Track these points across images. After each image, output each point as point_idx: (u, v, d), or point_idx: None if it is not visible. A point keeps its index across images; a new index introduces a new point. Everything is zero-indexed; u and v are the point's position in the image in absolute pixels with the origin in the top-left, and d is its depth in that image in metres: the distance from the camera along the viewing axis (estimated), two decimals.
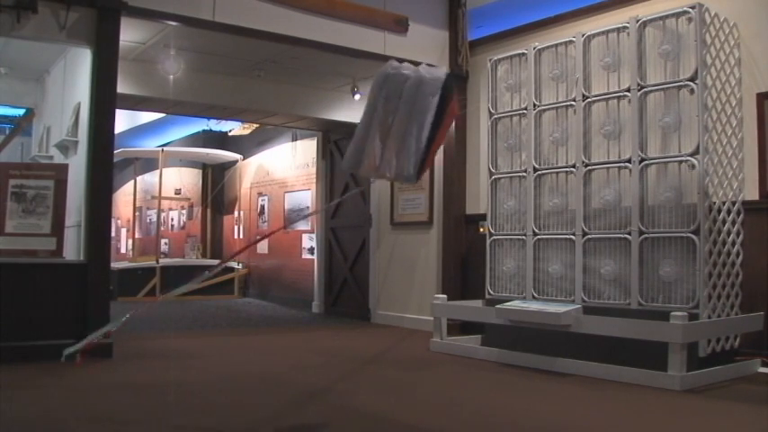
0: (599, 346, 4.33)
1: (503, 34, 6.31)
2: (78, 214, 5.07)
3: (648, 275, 4.38)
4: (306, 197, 9.51)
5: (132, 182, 11.96)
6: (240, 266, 10.79)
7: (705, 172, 4.20)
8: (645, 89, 4.48)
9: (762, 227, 4.52)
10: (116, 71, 4.92)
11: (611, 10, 5.34)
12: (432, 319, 5.44)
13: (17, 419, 3.07)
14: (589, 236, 4.69)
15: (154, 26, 5.35)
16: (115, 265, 9.48)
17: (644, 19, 4.53)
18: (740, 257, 4.49)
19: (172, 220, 12.78)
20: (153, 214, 12.54)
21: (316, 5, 5.77)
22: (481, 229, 6.13)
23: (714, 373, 4.09)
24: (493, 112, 5.37)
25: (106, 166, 4.93)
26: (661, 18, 4.46)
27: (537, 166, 5.04)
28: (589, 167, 4.74)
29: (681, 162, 4.29)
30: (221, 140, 11.70)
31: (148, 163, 12.39)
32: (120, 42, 4.96)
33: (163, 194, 11.28)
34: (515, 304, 4.80)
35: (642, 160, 4.45)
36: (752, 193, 4.59)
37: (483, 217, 5.70)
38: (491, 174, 5.34)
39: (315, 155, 8.89)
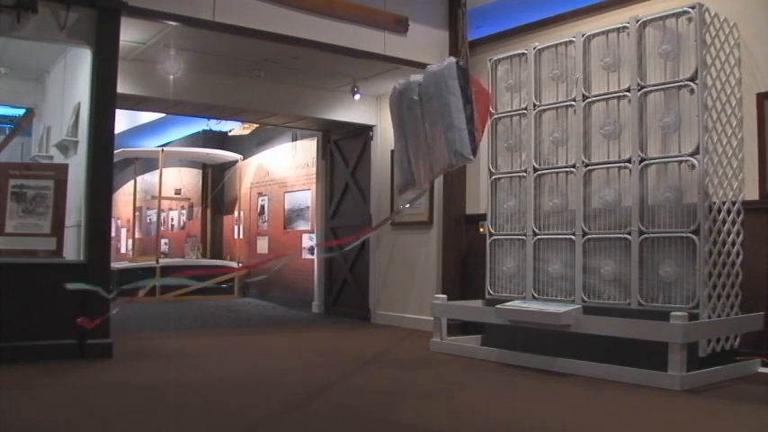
0: (599, 346, 4.33)
1: (503, 34, 6.31)
2: (78, 214, 5.07)
3: (648, 275, 4.38)
4: (306, 197, 9.51)
5: (132, 182, 11.97)
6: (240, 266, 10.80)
7: (705, 172, 4.20)
8: (645, 89, 4.48)
9: (762, 227, 4.52)
10: (116, 71, 4.93)
11: (611, 10, 5.34)
12: (432, 319, 5.44)
13: (17, 419, 3.07)
14: (589, 236, 4.69)
15: (154, 26, 5.35)
16: (115, 265, 9.48)
17: (644, 19, 4.53)
18: (740, 257, 4.49)
19: (172, 220, 12.78)
20: (153, 214, 12.54)
21: (316, 5, 5.77)
22: (481, 229, 6.13)
23: (714, 373, 4.09)
24: (493, 112, 5.37)
25: (106, 166, 4.93)
26: (661, 18, 4.46)
27: (537, 166, 5.04)
28: (589, 167, 4.74)
29: (681, 162, 4.29)
30: (221, 140, 11.70)
31: (148, 163, 12.39)
32: (120, 42, 4.96)
33: (163, 194, 11.28)
34: (515, 304, 4.80)
35: (642, 160, 4.45)
36: (752, 193, 4.59)
37: (483, 217, 5.70)
38: (491, 174, 5.34)
39: (315, 155, 8.89)
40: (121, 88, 5.25)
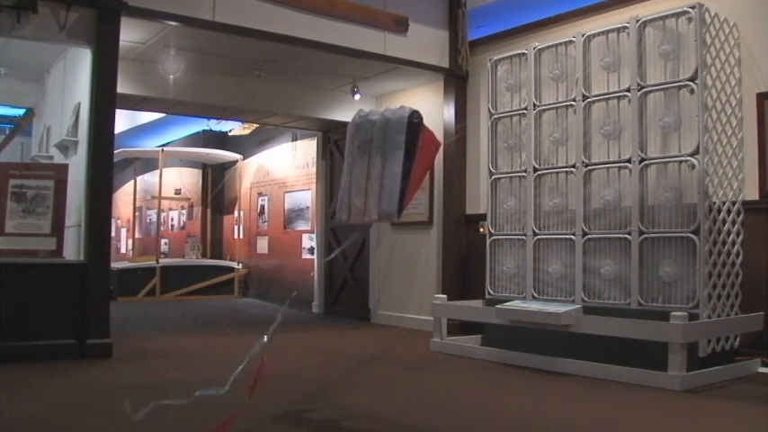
0: (599, 346, 4.32)
1: (503, 34, 6.31)
2: (78, 214, 5.07)
3: (648, 275, 4.38)
4: (306, 197, 9.51)
5: (132, 182, 11.96)
6: (240, 266, 10.81)
7: (705, 172, 4.20)
8: (645, 89, 4.48)
9: (762, 227, 4.52)
10: (116, 71, 4.92)
11: (611, 10, 5.34)
12: (432, 319, 5.44)
13: (17, 419, 3.06)
14: (589, 236, 4.69)
15: (154, 26, 5.34)
16: (115, 265, 9.48)
17: (644, 19, 4.53)
18: (740, 257, 4.49)
19: (172, 220, 12.78)
20: (153, 214, 12.54)
21: (316, 5, 5.77)
22: (481, 229, 6.13)
23: (714, 373, 4.09)
24: (493, 112, 5.37)
25: (106, 166, 4.93)
26: (661, 18, 4.46)
27: (537, 166, 5.04)
28: (589, 167, 4.74)
29: (681, 162, 4.29)
30: (221, 140, 11.70)
31: (148, 163, 12.39)
32: (120, 42, 4.96)
33: (163, 194, 11.28)
34: (515, 304, 4.80)
35: (642, 160, 4.45)
36: (752, 193, 4.59)
37: (483, 217, 5.70)
38: (491, 174, 5.34)
39: (315, 155, 8.89)
40: (121, 88, 5.25)
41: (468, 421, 3.22)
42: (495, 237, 5.29)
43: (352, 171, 3.12)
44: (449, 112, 6.61)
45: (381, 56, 6.20)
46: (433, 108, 6.82)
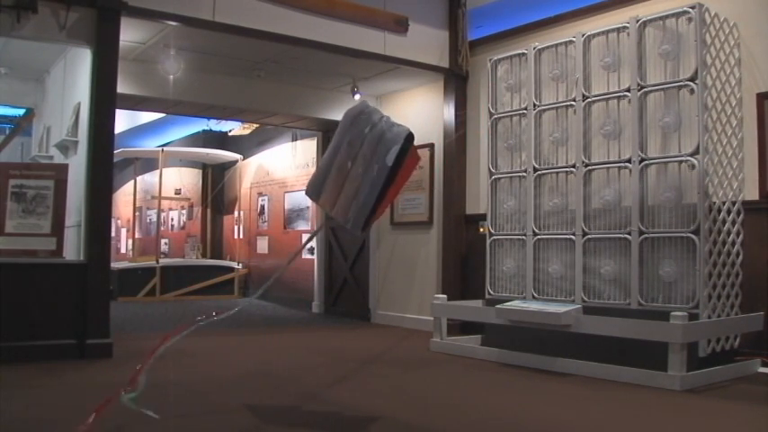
0: (599, 346, 4.33)
1: (503, 34, 6.31)
2: (78, 214, 5.07)
3: (648, 275, 4.38)
4: (306, 197, 9.49)
5: (132, 182, 11.96)
6: (240, 266, 10.81)
7: (705, 172, 4.20)
8: (645, 89, 4.48)
9: (762, 227, 4.52)
10: (116, 71, 4.92)
11: (611, 10, 5.34)
12: (432, 319, 5.44)
13: (17, 419, 3.07)
14: (589, 236, 4.69)
15: (154, 26, 5.35)
16: (115, 265, 9.48)
17: (644, 19, 4.53)
18: (740, 257, 4.49)
19: (172, 220, 12.78)
20: (153, 214, 12.54)
21: (316, 5, 5.77)
22: (481, 229, 6.13)
23: (714, 373, 4.09)
24: (493, 112, 5.37)
25: (106, 166, 4.93)
26: (661, 18, 4.46)
27: (537, 166, 5.04)
28: (589, 167, 4.74)
29: (681, 162, 4.29)
30: (221, 140, 11.70)
31: (148, 163, 12.39)
32: (120, 42, 4.96)
33: (163, 194, 11.28)
34: (515, 304, 4.80)
35: (642, 160, 4.45)
36: (752, 193, 4.59)
37: (483, 217, 5.70)
38: (491, 174, 5.34)
39: (315, 155, 8.89)
40: (121, 88, 5.25)
41: (468, 421, 3.22)
42: (495, 237, 5.29)
43: (334, 162, 3.08)
44: (449, 112, 6.61)
45: (381, 56, 6.20)
46: (433, 108, 6.82)
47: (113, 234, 11.94)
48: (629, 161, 4.52)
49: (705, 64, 4.26)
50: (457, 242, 6.50)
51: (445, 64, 6.58)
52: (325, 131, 8.42)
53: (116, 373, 4.26)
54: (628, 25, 4.59)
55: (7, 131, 8.11)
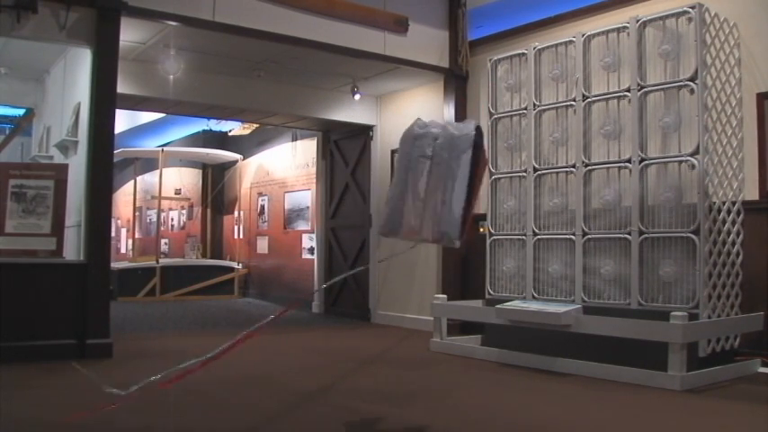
0: (599, 346, 4.33)
1: (503, 34, 6.31)
2: (78, 214, 5.07)
3: (648, 275, 4.38)
4: (306, 197, 9.51)
5: (132, 182, 11.96)
6: (240, 266, 10.81)
7: (705, 172, 4.20)
8: (645, 89, 4.48)
9: (762, 227, 4.52)
10: (116, 71, 4.93)
11: (611, 10, 5.34)
12: (432, 319, 5.44)
13: (17, 419, 3.07)
14: (589, 236, 4.69)
15: (154, 26, 5.34)
16: (115, 265, 9.48)
17: (644, 19, 4.53)
18: (740, 257, 4.49)
19: (172, 220, 12.78)
20: (153, 214, 12.53)
21: (316, 5, 5.77)
22: (481, 229, 6.13)
23: (714, 373, 4.09)
24: (493, 112, 5.37)
25: (106, 166, 4.93)
26: (661, 18, 4.46)
27: (537, 166, 5.04)
28: (589, 167, 4.74)
29: (681, 162, 4.29)
30: (221, 140, 11.70)
31: (148, 163, 12.39)
32: (120, 42, 4.96)
33: (163, 194, 11.28)
34: (515, 304, 4.80)
35: (642, 160, 4.45)
36: (752, 193, 4.59)
37: (483, 217, 5.70)
38: (491, 174, 5.34)
39: (315, 155, 8.88)
40: (121, 88, 5.25)
41: (468, 421, 3.22)
42: (495, 237, 5.29)
43: (407, 184, 2.99)
44: (449, 112, 6.60)
45: (381, 56, 6.20)
46: (433, 108, 6.82)
47: (113, 234, 11.93)
48: (629, 161, 4.52)
49: (705, 64, 4.26)
50: None
51: (445, 64, 6.58)
52: (325, 131, 8.42)
53: (116, 373, 4.26)
54: (628, 25, 4.59)
55: (7, 131, 8.11)
